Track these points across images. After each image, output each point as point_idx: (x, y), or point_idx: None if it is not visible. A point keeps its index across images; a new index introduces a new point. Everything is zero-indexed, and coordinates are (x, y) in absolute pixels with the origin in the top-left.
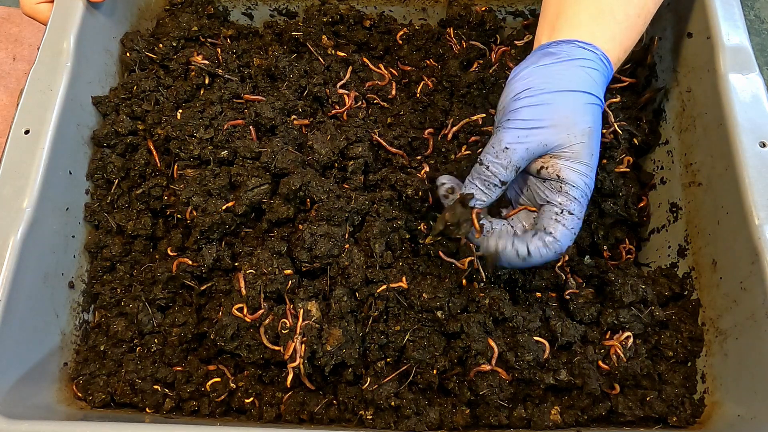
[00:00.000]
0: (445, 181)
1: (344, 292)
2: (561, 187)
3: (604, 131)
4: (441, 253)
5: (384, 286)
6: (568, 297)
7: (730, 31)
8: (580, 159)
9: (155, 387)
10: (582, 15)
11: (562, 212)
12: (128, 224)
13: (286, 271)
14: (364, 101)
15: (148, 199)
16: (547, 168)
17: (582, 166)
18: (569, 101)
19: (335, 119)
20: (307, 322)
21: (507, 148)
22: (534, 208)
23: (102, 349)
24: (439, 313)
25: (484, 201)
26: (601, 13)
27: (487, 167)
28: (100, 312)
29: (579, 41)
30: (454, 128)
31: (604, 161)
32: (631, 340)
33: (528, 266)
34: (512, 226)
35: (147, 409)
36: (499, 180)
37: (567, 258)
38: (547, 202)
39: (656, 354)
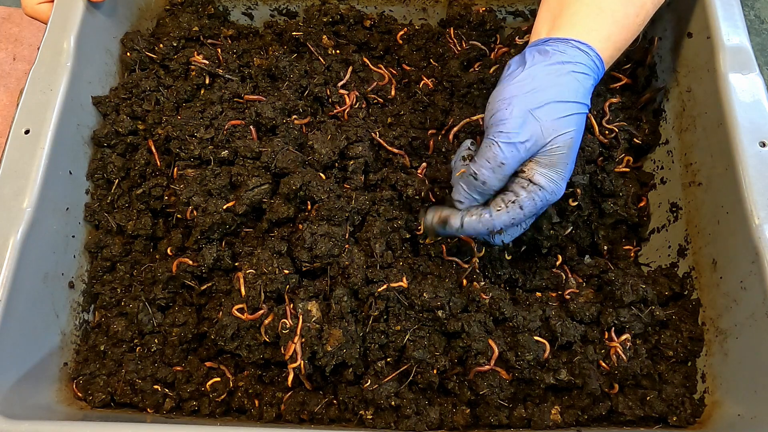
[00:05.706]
0: (470, 146)
1: (344, 292)
2: (528, 186)
3: (605, 131)
4: (444, 251)
5: (384, 286)
6: (568, 297)
7: (730, 31)
8: (555, 167)
9: (155, 387)
10: (582, 12)
11: (514, 202)
12: (128, 224)
13: (286, 271)
14: (364, 101)
15: (149, 199)
16: (524, 171)
17: (555, 174)
18: (556, 112)
19: (335, 119)
20: (307, 323)
21: (503, 164)
22: None
23: (102, 349)
24: (439, 313)
25: (478, 203)
26: (601, 12)
27: (484, 182)
28: (100, 312)
29: (574, 40)
30: (455, 128)
31: (601, 160)
32: (629, 340)
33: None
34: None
35: (147, 409)
36: (494, 190)
37: (562, 259)
38: (509, 190)
39: (656, 354)
